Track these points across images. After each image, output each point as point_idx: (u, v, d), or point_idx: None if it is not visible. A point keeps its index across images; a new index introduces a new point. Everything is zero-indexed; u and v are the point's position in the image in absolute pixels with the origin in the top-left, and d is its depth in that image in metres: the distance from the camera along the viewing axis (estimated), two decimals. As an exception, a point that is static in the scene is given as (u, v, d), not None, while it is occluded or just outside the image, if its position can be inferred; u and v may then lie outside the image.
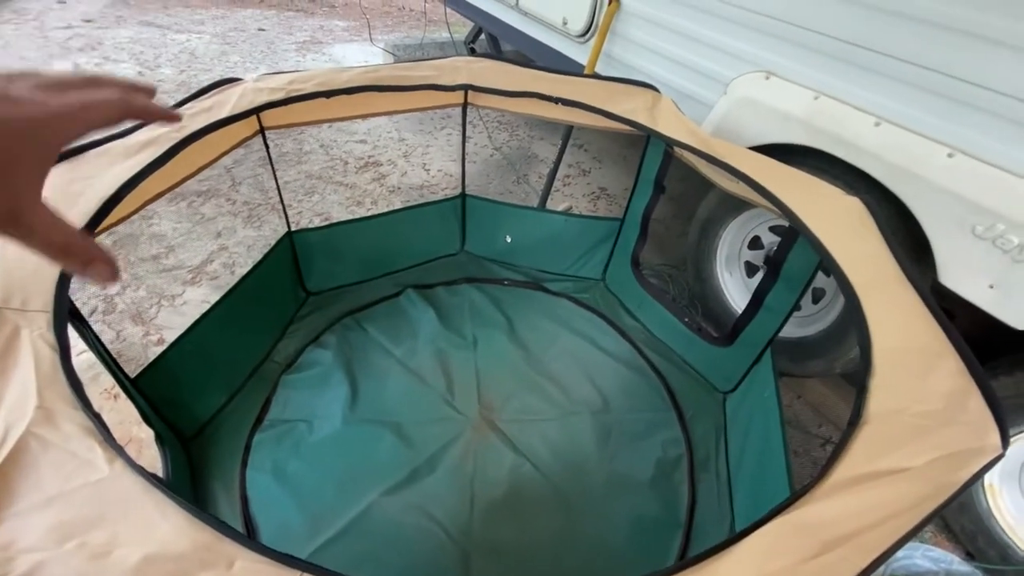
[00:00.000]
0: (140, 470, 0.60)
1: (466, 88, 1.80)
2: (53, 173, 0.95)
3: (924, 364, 0.86)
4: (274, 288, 1.92)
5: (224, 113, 1.33)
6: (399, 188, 2.95)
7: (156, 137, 1.18)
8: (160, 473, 1.33)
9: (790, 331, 1.82)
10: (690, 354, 2.00)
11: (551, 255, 2.36)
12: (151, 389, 1.39)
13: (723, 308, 2.14)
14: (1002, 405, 0.79)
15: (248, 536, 1.39)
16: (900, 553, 1.12)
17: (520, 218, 2.34)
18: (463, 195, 2.29)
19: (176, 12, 5.04)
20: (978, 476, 0.70)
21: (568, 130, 2.39)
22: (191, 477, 1.49)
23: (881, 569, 1.12)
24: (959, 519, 1.58)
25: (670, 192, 2.01)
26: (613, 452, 1.69)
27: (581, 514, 1.53)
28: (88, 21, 4.53)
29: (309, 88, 1.51)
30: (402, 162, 3.18)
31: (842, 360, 1.76)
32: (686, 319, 2.02)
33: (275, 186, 1.88)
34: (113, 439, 0.63)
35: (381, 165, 3.13)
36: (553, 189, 3.02)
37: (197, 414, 1.59)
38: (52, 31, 4.24)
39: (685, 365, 1.99)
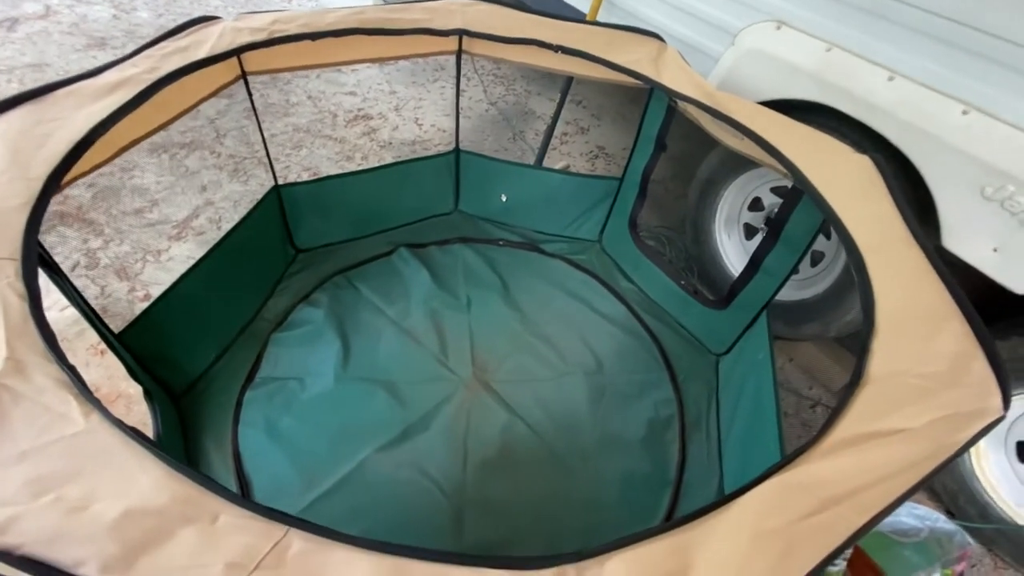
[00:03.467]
0: (118, 423, 0.58)
1: (461, 33, 1.70)
2: (17, 114, 0.88)
3: (928, 326, 0.84)
4: (262, 244, 1.87)
5: (202, 54, 1.24)
6: (390, 143, 2.85)
7: (128, 78, 1.10)
8: (150, 429, 1.31)
9: (786, 294, 1.81)
10: (685, 316, 1.99)
11: (547, 215, 2.31)
12: (137, 345, 1.36)
13: (720, 271, 2.12)
14: (1005, 368, 0.77)
15: (241, 492, 1.41)
16: (886, 511, 1.14)
17: (516, 176, 2.27)
18: (457, 151, 2.21)
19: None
20: (978, 438, 0.69)
21: (567, 83, 2.29)
22: (183, 434, 1.49)
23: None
24: (941, 478, 1.61)
25: (670, 152, 1.94)
26: (605, 412, 1.70)
27: (573, 472, 1.55)
28: (57, -42, 4.23)
29: (293, 29, 1.42)
30: (393, 116, 3.07)
31: (838, 324, 1.76)
32: (682, 282, 2.00)
33: (261, 138, 1.80)
34: (89, 392, 0.60)
35: (372, 119, 3.01)
36: (550, 147, 2.92)
37: (186, 371, 1.57)
38: (19, -31, 3.96)
39: (679, 327, 1.98)
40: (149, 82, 1.11)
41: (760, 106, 1.43)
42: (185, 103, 1.31)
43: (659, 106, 1.83)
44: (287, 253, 2.02)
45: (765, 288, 1.66)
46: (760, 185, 1.93)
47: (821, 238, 1.67)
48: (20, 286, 0.68)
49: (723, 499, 0.62)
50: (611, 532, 1.37)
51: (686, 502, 1.51)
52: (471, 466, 1.52)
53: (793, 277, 1.85)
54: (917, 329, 0.84)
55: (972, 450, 1.55)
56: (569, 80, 2.25)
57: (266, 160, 1.85)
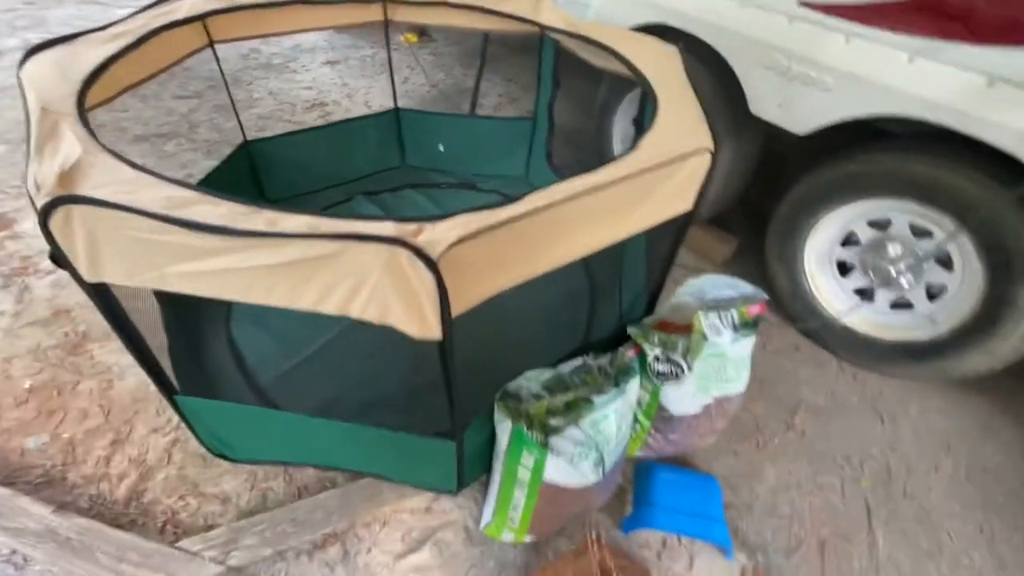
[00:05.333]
0: (152, 172, 0.98)
1: (384, 0, 2.14)
2: (55, 50, 1.29)
3: (685, 129, 1.28)
4: (235, 193, 2.25)
5: (179, 16, 1.66)
6: (345, 123, 3.27)
7: (124, 31, 1.51)
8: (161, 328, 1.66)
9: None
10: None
11: (480, 158, 2.74)
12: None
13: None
14: (716, 130, 1.21)
15: (236, 362, 1.78)
16: (708, 288, 1.55)
17: (450, 125, 2.71)
18: (396, 109, 2.64)
19: (113, -9, 5.15)
20: (688, 161, 1.12)
21: (484, 39, 2.73)
22: (186, 325, 1.85)
23: (697, 302, 1.55)
24: (794, 305, 2.05)
25: (577, 98, 2.39)
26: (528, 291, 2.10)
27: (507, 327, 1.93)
28: (29, 3, 4.64)
29: (247, 1, 1.84)
30: (346, 101, 3.50)
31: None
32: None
33: (235, 122, 2.20)
34: (135, 164, 1.00)
35: (326, 105, 3.44)
36: (486, 116, 3.38)
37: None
38: (-6, 13, 4.36)
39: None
40: (140, 34, 1.53)
41: (612, 28, 1.89)
42: (165, 61, 1.71)
43: (548, 49, 2.29)
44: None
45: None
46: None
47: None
48: (80, 126, 1.08)
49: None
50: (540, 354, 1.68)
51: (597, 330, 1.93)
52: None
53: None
54: (676, 130, 1.27)
55: (810, 277, 1.99)
56: (485, 37, 2.70)
57: (235, 118, 2.25)
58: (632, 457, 1.60)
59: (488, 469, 1.48)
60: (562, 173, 2.57)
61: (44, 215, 0.88)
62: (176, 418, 1.65)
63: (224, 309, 1.97)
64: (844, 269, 1.95)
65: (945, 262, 1.69)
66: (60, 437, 1.59)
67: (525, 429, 1.20)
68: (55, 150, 0.99)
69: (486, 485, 1.49)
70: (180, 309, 1.75)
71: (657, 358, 1.37)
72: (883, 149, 1.69)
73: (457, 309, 0.95)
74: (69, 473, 1.51)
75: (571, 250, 1.10)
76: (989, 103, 1.32)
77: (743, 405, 1.82)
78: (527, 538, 1.40)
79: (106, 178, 0.95)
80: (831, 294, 1.97)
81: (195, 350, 1.82)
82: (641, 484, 1.52)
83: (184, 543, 1.34)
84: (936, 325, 1.74)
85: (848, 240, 1.90)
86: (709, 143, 1.18)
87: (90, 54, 1.38)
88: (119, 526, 1.38)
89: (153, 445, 1.59)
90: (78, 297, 1.92)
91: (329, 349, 1.86)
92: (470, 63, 4.15)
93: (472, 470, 1.50)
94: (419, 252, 0.84)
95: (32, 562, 1.30)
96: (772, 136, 2.08)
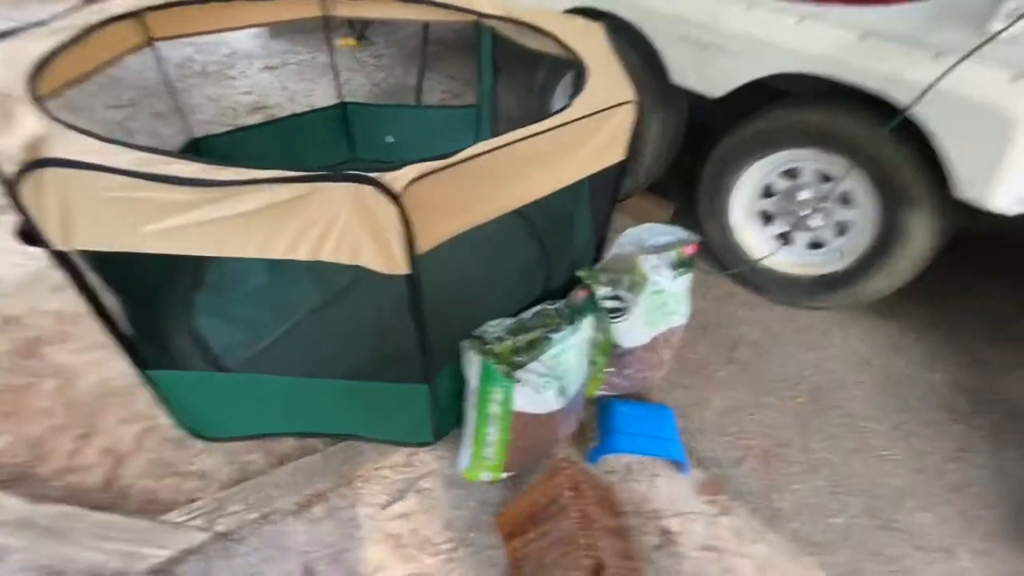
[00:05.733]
0: (121, 142, 1.03)
1: (322, -5, 2.22)
2: (2, 46, 1.32)
3: (608, 88, 1.43)
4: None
5: (116, 11, 1.68)
6: (290, 124, 3.29)
7: (65, 26, 1.53)
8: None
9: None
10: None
11: (428, 148, 2.77)
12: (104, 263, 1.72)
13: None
14: (635, 90, 1.37)
15: (201, 352, 1.80)
16: (647, 236, 1.72)
17: (397, 116, 2.79)
18: (342, 103, 2.70)
19: (26, 7, 4.91)
20: (622, 120, 1.27)
21: (425, 27, 2.84)
22: (151, 324, 1.85)
23: (638, 249, 1.71)
24: (726, 255, 2.26)
25: (519, 83, 2.54)
26: (489, 264, 2.22)
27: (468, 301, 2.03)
28: (-70, 21, 4.37)
29: (185, -3, 1.88)
30: (289, 104, 3.51)
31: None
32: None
33: (175, 127, 2.19)
34: (99, 135, 1.04)
35: (269, 108, 3.44)
36: (432, 106, 3.48)
37: (146, 284, 1.93)
38: None
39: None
40: (80, 29, 1.55)
41: (542, 12, 2.04)
42: (107, 55, 1.72)
43: (486, 37, 2.42)
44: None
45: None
46: (575, 87, 2.56)
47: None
48: (36, 107, 1.12)
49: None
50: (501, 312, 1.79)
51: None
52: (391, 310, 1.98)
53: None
54: (603, 89, 1.42)
55: (735, 225, 2.21)
56: (425, 26, 2.80)
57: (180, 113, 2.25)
58: (593, 397, 1.74)
59: (461, 422, 1.58)
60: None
61: (14, 183, 0.92)
62: (145, 408, 1.66)
63: (187, 299, 1.98)
64: (767, 218, 2.17)
65: (848, 200, 1.93)
66: (24, 436, 1.56)
67: (493, 364, 1.31)
68: (13, 127, 1.02)
69: (460, 439, 1.58)
70: (140, 303, 1.76)
71: (606, 295, 1.51)
72: (785, 106, 1.92)
73: (422, 246, 1.05)
74: (39, 468, 1.49)
75: (520, 193, 1.23)
76: (861, 54, 1.55)
77: (690, 347, 2.00)
78: (504, 475, 1.51)
79: (74, 148, 0.99)
80: (756, 242, 2.19)
81: (159, 341, 1.82)
82: (603, 418, 1.66)
83: (168, 516, 1.37)
84: (846, 257, 1.98)
85: (767, 192, 2.12)
86: (632, 95, 1.34)
87: (33, 47, 1.40)
88: (98, 510, 1.39)
89: (124, 435, 1.60)
90: (26, 304, 1.87)
91: (294, 332, 1.90)
92: (410, 63, 4.24)
93: (446, 423, 1.59)
94: (383, 187, 0.94)
95: (11, 551, 1.29)
96: (695, 107, 2.30)
